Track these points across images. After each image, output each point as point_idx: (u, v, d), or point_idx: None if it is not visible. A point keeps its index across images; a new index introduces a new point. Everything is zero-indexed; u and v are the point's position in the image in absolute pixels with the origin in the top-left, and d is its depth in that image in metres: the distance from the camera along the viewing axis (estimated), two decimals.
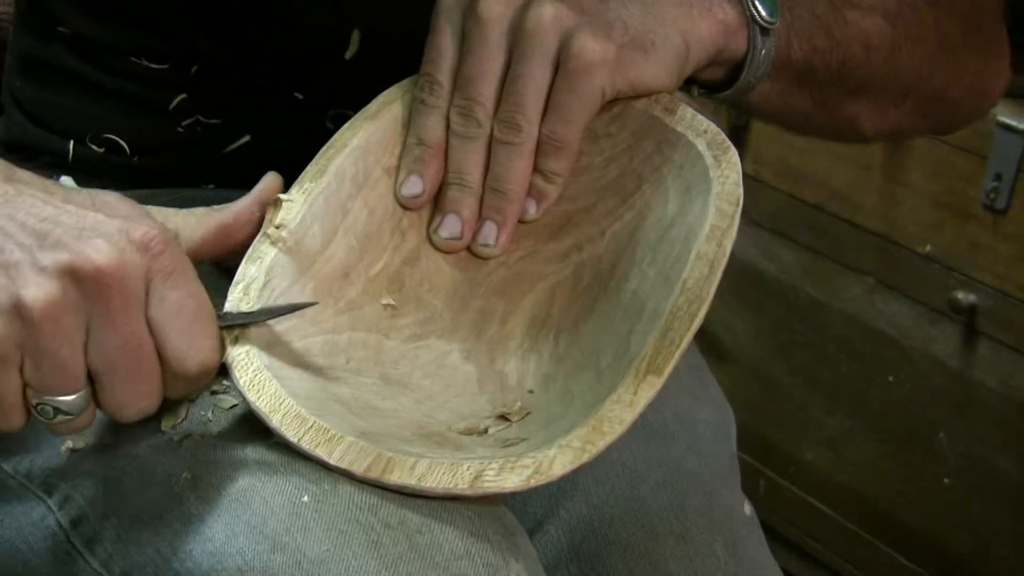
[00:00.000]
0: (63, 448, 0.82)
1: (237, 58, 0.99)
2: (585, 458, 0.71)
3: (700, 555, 0.91)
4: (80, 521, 0.79)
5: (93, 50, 1.01)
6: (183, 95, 1.00)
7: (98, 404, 0.71)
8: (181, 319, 0.70)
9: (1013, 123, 1.75)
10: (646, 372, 0.74)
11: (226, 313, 0.76)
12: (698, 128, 0.85)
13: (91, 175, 1.02)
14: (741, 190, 0.81)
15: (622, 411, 0.73)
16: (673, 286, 0.78)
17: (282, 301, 0.79)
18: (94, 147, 1.02)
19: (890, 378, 1.96)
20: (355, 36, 0.97)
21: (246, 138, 1.00)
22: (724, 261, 0.78)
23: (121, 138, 1.01)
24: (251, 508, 0.73)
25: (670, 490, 0.93)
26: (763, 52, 0.89)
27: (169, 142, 1.01)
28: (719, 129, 0.85)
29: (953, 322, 1.85)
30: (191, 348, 0.71)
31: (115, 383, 0.70)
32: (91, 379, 0.70)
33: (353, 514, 0.72)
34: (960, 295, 1.82)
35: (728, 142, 0.83)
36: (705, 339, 2.15)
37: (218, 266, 0.98)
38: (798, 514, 2.11)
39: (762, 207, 2.10)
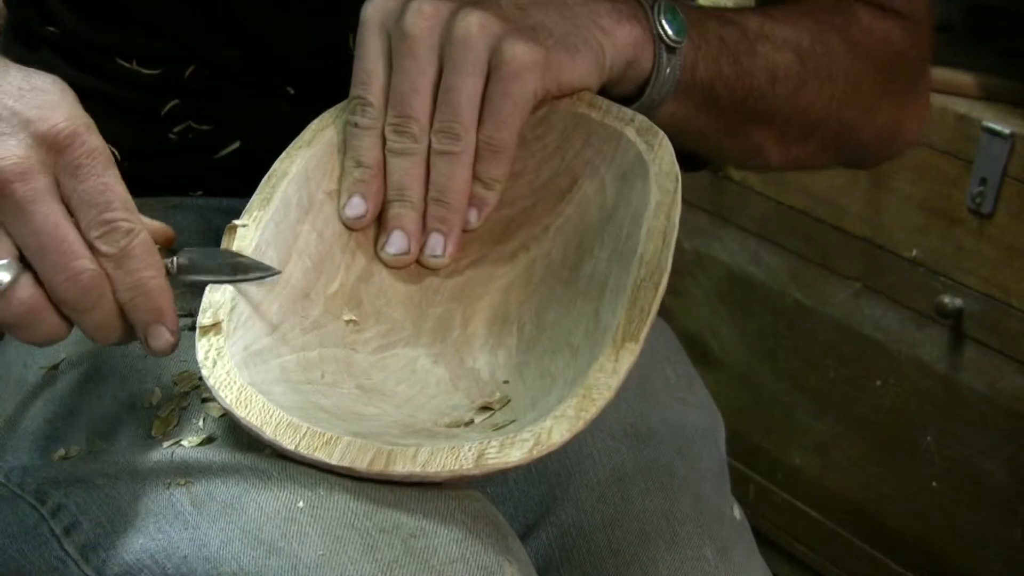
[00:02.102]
0: (55, 456, 0.82)
1: (235, 53, 0.99)
2: (580, 425, 0.73)
3: (690, 559, 0.91)
4: (73, 528, 0.79)
5: (85, 53, 1.01)
6: (175, 101, 1.00)
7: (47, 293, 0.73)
8: (94, 207, 0.72)
9: (998, 128, 1.75)
10: (623, 340, 0.76)
11: (184, 264, 0.78)
12: (624, 118, 0.87)
13: None
14: (678, 168, 0.83)
15: (607, 378, 0.75)
16: (631, 261, 0.80)
17: (250, 323, 0.80)
18: None
19: (877, 382, 1.96)
20: (352, 40, 0.97)
21: (236, 144, 1.01)
22: (675, 232, 0.80)
23: (112, 144, 1.01)
24: (246, 514, 0.73)
25: (660, 495, 0.93)
26: (668, 70, 0.91)
27: (160, 148, 1.01)
28: (645, 117, 0.87)
29: (940, 326, 1.85)
30: (110, 230, 0.73)
31: (46, 265, 0.72)
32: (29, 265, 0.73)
33: (348, 519, 0.73)
34: (947, 299, 1.82)
35: (656, 127, 0.86)
36: (693, 344, 2.15)
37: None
38: (787, 519, 2.11)
39: (749, 213, 2.10)
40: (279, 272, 0.81)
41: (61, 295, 0.73)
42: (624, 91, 0.91)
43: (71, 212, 0.72)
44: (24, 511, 0.82)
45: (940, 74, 1.80)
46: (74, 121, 0.72)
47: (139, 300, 0.74)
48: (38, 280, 0.73)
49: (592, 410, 0.74)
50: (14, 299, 0.73)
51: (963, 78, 1.85)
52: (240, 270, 0.80)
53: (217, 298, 0.79)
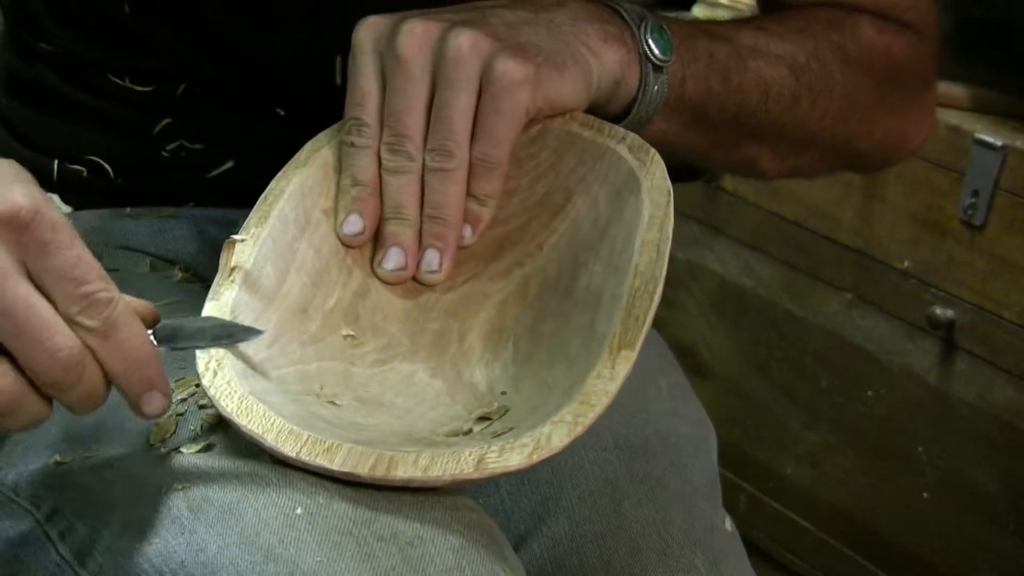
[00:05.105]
0: (50, 461, 0.82)
1: (225, 72, 0.99)
2: (579, 430, 0.74)
3: (682, 570, 0.92)
4: (68, 533, 0.79)
5: (78, 70, 1.01)
6: (168, 119, 1.01)
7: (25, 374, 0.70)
8: (69, 282, 0.69)
9: (990, 140, 1.76)
10: (619, 348, 0.77)
11: (166, 334, 0.75)
12: (617, 136, 0.88)
13: (75, 194, 1.03)
14: (669, 183, 0.84)
15: (605, 384, 0.76)
16: (626, 273, 0.81)
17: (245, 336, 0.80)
18: (77, 167, 1.02)
19: (869, 393, 1.97)
20: (339, 63, 0.98)
21: (229, 164, 1.01)
22: (668, 245, 0.81)
23: (105, 160, 1.02)
24: (244, 519, 0.74)
25: (652, 506, 0.94)
26: (655, 88, 0.92)
27: (153, 165, 1.02)
28: (636, 135, 0.88)
29: (931, 337, 1.86)
30: (91, 303, 0.69)
31: (22, 347, 0.69)
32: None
33: (346, 527, 0.73)
34: (938, 310, 1.83)
35: (647, 145, 0.87)
36: (685, 354, 2.16)
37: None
38: (778, 529, 2.11)
39: (741, 224, 2.11)
40: (263, 332, 0.80)
41: (42, 376, 0.70)
42: (612, 110, 0.92)
43: (43, 292, 0.69)
44: (18, 516, 0.82)
45: None
46: (33, 198, 0.69)
47: (131, 370, 0.72)
48: (16, 365, 0.70)
49: (590, 415, 0.74)
50: None
51: (955, 90, 1.86)
52: (224, 335, 0.78)
53: (217, 310, 0.80)
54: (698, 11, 2.14)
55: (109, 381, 0.72)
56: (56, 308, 0.69)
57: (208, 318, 0.79)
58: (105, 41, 1.00)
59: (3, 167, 0.71)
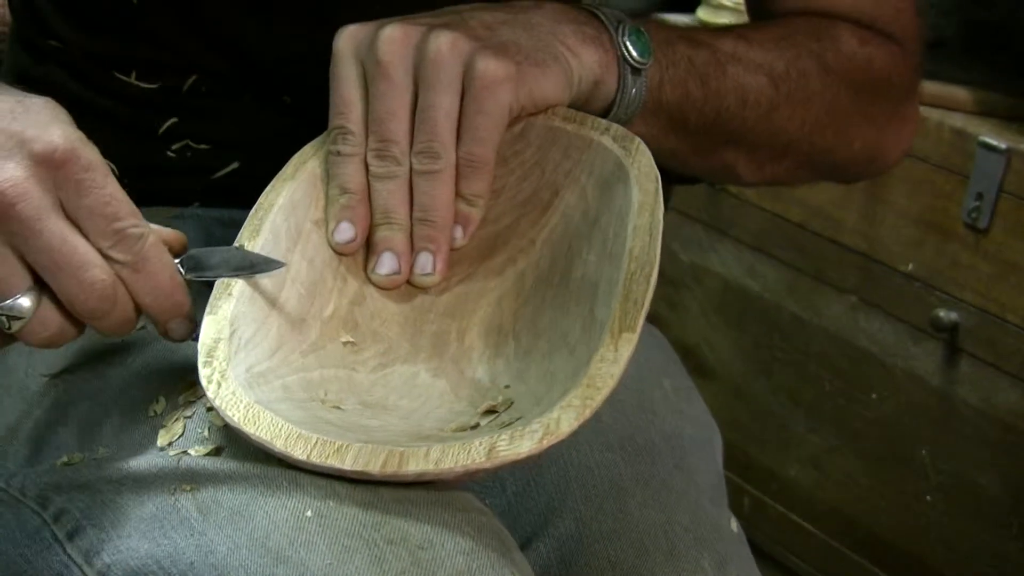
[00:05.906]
0: (58, 462, 0.83)
1: (230, 62, 0.99)
2: (587, 413, 0.74)
3: (688, 571, 0.92)
4: (76, 533, 0.79)
5: (84, 67, 1.01)
6: (174, 119, 1.01)
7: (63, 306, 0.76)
8: (101, 219, 0.74)
9: (994, 142, 1.76)
10: (620, 331, 0.78)
11: (192, 264, 0.80)
12: (600, 128, 0.89)
13: None
14: (656, 170, 0.85)
15: (609, 367, 0.76)
16: (620, 259, 0.82)
17: (250, 347, 0.81)
18: None
19: (872, 395, 1.97)
20: None
21: (235, 164, 1.02)
22: (660, 228, 0.82)
23: (111, 160, 1.02)
24: (253, 521, 0.74)
25: (658, 507, 0.94)
26: (634, 91, 0.92)
27: (158, 166, 1.02)
28: (619, 126, 0.89)
29: (935, 340, 1.86)
30: (122, 238, 0.75)
31: (60, 280, 0.74)
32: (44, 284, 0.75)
33: (356, 530, 0.73)
34: (942, 313, 1.83)
35: (631, 134, 0.88)
36: (688, 356, 2.16)
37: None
38: (781, 531, 2.11)
39: (745, 226, 2.11)
40: (284, 264, 0.83)
41: (79, 307, 0.75)
42: (591, 111, 0.92)
43: (78, 227, 0.74)
44: (26, 516, 0.82)
45: (936, 89, 1.81)
46: (69, 138, 0.74)
47: (159, 300, 0.77)
48: (55, 298, 0.75)
49: (597, 398, 0.75)
50: (39, 325, 0.76)
51: (959, 93, 1.86)
52: (246, 266, 0.82)
53: (216, 323, 0.80)
54: (702, 13, 2.15)
55: (139, 310, 0.78)
56: (90, 243, 0.74)
57: (231, 249, 0.83)
58: (111, 35, 1.01)
59: (41, 107, 0.76)
